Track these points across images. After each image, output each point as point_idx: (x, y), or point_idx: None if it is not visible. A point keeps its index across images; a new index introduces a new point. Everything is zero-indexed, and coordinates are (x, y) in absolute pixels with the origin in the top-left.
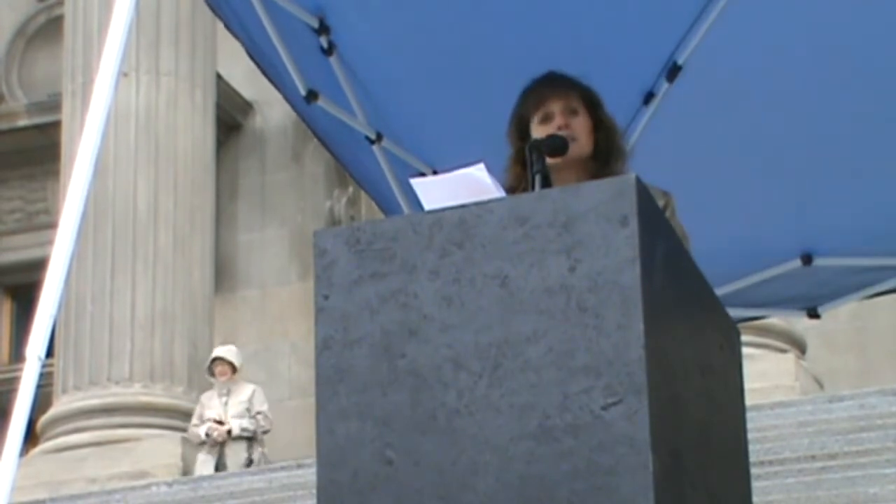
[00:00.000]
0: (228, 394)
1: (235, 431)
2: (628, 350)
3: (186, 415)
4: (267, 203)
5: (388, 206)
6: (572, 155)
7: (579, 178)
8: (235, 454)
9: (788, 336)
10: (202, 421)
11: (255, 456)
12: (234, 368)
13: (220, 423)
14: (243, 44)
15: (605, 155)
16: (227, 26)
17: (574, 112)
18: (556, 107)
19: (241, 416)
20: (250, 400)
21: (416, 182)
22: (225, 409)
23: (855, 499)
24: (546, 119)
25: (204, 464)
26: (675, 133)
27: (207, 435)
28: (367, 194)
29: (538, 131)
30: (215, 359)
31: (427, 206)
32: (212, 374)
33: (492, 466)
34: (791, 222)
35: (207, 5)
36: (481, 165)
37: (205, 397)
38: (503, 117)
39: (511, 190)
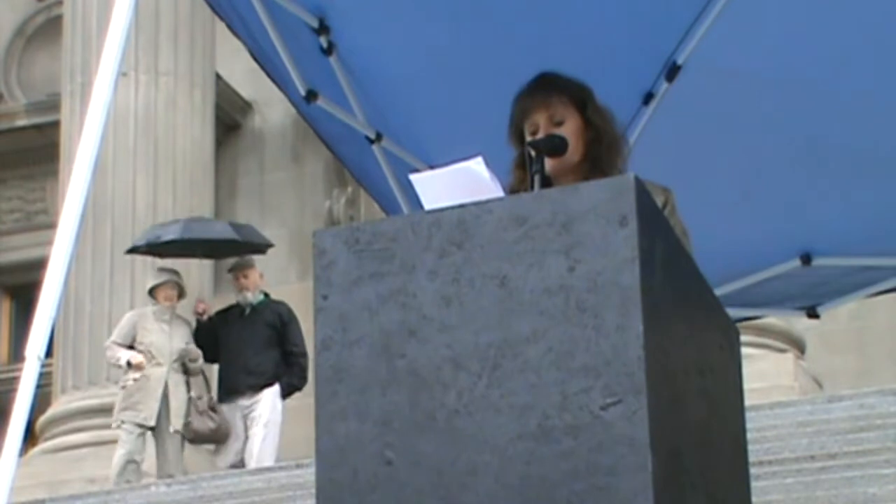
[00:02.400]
0: (171, 321)
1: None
2: (628, 350)
3: None
4: (266, 203)
5: (388, 206)
6: (564, 164)
7: (577, 180)
8: (176, 396)
9: (788, 336)
10: (131, 344)
11: (194, 392)
12: (181, 293)
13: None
14: (245, 43)
15: (596, 155)
16: (228, 26)
17: (559, 122)
18: (539, 118)
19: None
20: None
21: (415, 178)
22: (168, 339)
23: (854, 499)
24: (533, 132)
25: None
26: (675, 133)
27: (129, 364)
28: (368, 194)
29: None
30: (164, 282)
31: (425, 201)
32: (152, 296)
33: (491, 467)
34: (790, 222)
35: (208, 5)
36: (479, 159)
37: (136, 315)
38: (503, 117)
39: (513, 192)
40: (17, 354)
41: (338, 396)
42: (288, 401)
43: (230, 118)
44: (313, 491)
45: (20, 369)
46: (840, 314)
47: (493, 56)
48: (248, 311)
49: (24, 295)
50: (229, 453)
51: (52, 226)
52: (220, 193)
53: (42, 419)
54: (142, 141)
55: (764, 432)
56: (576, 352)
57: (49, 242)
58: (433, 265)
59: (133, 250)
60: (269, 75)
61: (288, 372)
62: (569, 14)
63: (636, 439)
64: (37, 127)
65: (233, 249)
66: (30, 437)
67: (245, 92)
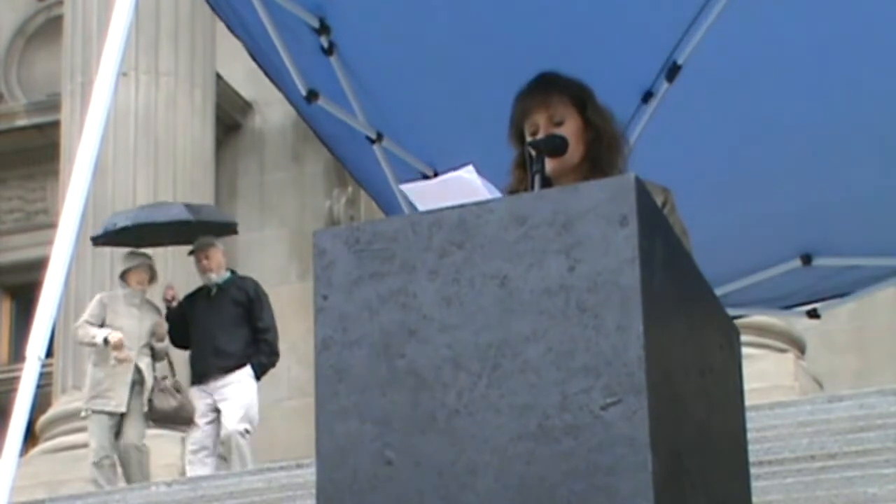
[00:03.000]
0: (140, 306)
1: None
2: (628, 350)
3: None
4: (266, 203)
5: (388, 206)
6: (564, 165)
7: (577, 180)
8: (149, 380)
9: (788, 336)
10: (101, 326)
11: (158, 373)
12: (153, 276)
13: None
14: (244, 44)
15: (596, 155)
16: (228, 26)
17: (559, 122)
18: (539, 119)
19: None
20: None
21: (407, 188)
22: (139, 323)
23: (854, 499)
24: (533, 132)
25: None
26: (675, 133)
27: (106, 342)
28: (368, 194)
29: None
30: (137, 265)
31: (420, 207)
32: (124, 281)
33: (491, 466)
34: (790, 222)
35: (208, 5)
36: (470, 167)
37: (106, 298)
38: (503, 117)
39: (513, 192)
40: (17, 354)
41: (338, 396)
42: (288, 401)
43: (230, 118)
44: (313, 491)
45: (20, 369)
46: (840, 314)
47: (493, 56)
48: (214, 291)
49: (24, 295)
50: (196, 434)
51: (52, 226)
52: (220, 193)
53: (42, 419)
54: (142, 141)
55: (764, 432)
56: (576, 352)
57: (49, 242)
58: (433, 265)
59: (95, 240)
60: (267, 75)
61: (256, 351)
62: (569, 14)
63: (636, 439)
64: (37, 127)
65: (194, 231)
66: (30, 437)
67: (245, 92)
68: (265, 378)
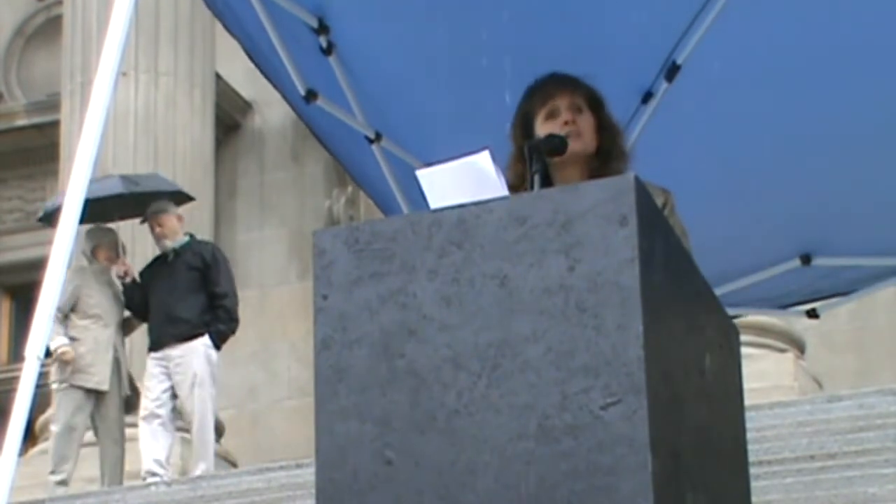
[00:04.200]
0: (112, 281)
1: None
2: (627, 350)
3: None
4: (266, 203)
5: (387, 206)
6: (576, 151)
7: (581, 174)
8: (125, 358)
9: (787, 336)
10: (72, 310)
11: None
12: (122, 250)
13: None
14: (242, 44)
15: (607, 154)
16: (225, 26)
17: (579, 110)
18: (562, 103)
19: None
20: None
21: (420, 173)
22: (113, 300)
23: (854, 499)
24: (552, 115)
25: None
26: (674, 133)
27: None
28: (367, 194)
29: (543, 128)
30: (105, 241)
31: (430, 197)
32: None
33: (491, 466)
34: (790, 222)
35: (206, 5)
36: (486, 154)
37: (77, 278)
38: (502, 117)
39: (513, 188)
40: (17, 354)
41: (338, 396)
42: (288, 401)
43: (230, 118)
44: (313, 491)
45: (20, 369)
46: (840, 314)
47: (492, 56)
48: (171, 257)
49: (24, 295)
50: (144, 401)
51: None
52: (219, 193)
53: (42, 419)
54: (142, 141)
55: (764, 432)
56: (576, 352)
57: (49, 242)
58: (433, 265)
59: (41, 220)
60: (265, 75)
61: (214, 318)
62: (569, 14)
63: (636, 439)
64: (37, 127)
65: (140, 202)
66: (30, 437)
67: (245, 92)
68: (265, 378)
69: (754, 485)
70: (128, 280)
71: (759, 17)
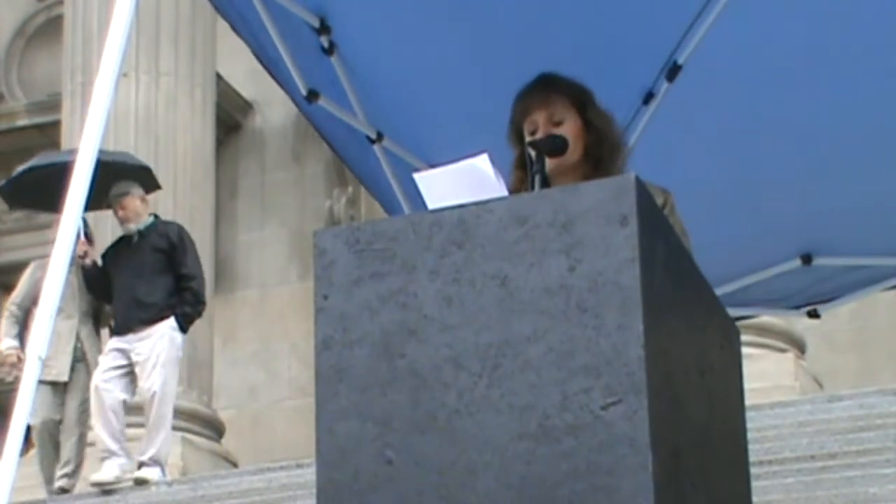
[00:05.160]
0: (79, 269)
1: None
2: (628, 350)
3: (186, 414)
4: (267, 203)
5: (389, 206)
6: (565, 162)
7: (576, 181)
8: (91, 351)
9: (788, 336)
10: (33, 303)
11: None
12: (90, 240)
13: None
14: (248, 43)
15: (597, 156)
16: (231, 26)
17: (559, 122)
18: (539, 117)
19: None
20: None
21: (418, 176)
22: (78, 289)
23: (854, 498)
24: (532, 131)
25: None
26: (675, 133)
27: None
28: (370, 193)
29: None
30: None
31: (428, 200)
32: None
33: (492, 466)
34: (790, 222)
35: (212, 4)
36: (485, 156)
37: (39, 269)
38: (503, 117)
39: (513, 192)
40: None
41: (338, 396)
42: (288, 400)
43: (231, 118)
44: (314, 491)
45: (20, 369)
46: (840, 314)
47: (493, 56)
48: (135, 238)
49: None
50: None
51: (52, 226)
52: (220, 193)
53: None
54: (142, 141)
55: (764, 432)
56: (576, 351)
57: (50, 242)
58: (434, 265)
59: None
60: (272, 75)
61: (180, 301)
62: (569, 14)
63: (636, 439)
64: (37, 127)
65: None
66: (30, 437)
67: (246, 92)
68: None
69: (755, 485)
70: (87, 262)
71: (761, 17)
